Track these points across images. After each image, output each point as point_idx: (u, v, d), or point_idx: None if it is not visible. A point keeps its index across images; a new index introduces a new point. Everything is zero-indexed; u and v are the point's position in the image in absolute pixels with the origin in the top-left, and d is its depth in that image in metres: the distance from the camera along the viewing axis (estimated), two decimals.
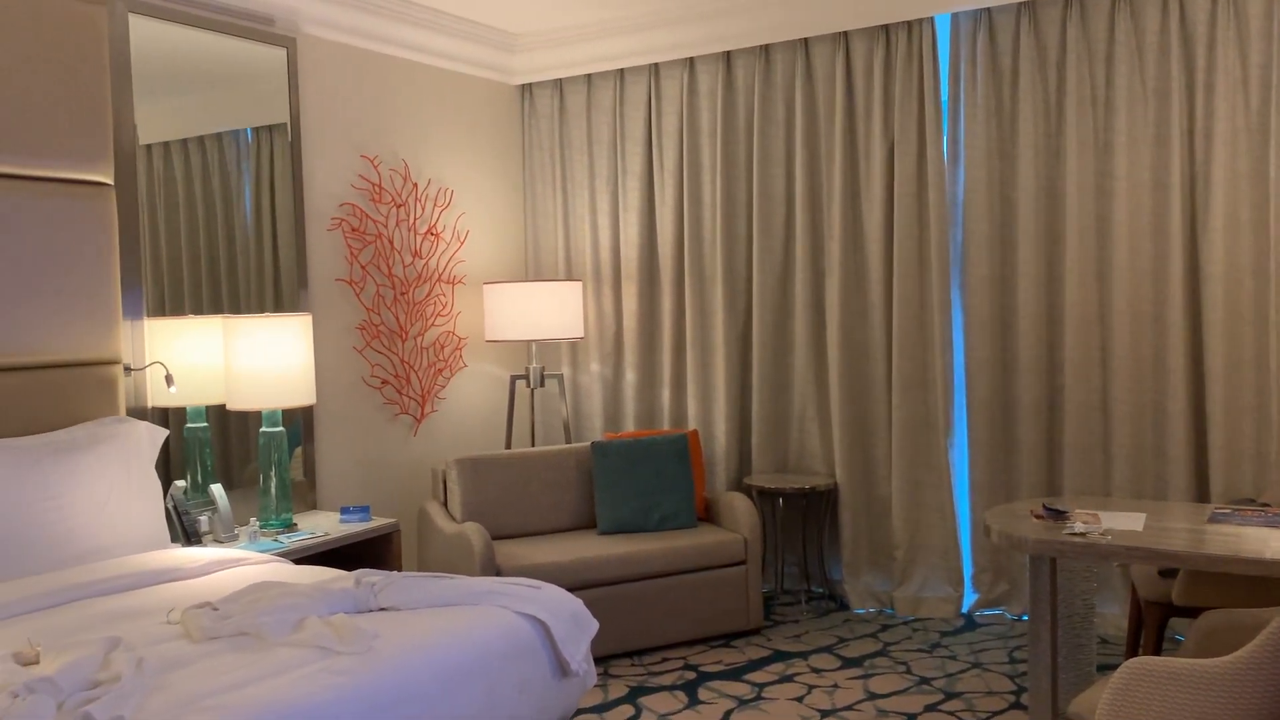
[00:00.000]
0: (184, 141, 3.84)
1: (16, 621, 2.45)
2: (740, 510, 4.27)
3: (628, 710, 3.52)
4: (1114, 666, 3.72)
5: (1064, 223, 4.18)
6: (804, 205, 4.68)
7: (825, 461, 4.73)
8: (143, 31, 3.62)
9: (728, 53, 4.79)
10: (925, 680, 3.72)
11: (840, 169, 4.56)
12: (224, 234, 3.96)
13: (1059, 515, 3.06)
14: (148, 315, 3.60)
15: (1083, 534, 2.86)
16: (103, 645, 2.10)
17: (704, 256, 4.93)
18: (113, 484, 3.04)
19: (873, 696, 3.58)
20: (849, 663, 3.92)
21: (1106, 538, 2.82)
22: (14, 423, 3.08)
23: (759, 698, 3.60)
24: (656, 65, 4.96)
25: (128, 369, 3.46)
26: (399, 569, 3.87)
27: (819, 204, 4.70)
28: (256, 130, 4.10)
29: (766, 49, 4.71)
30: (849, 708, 3.49)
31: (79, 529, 2.92)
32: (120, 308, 3.40)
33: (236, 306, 3.99)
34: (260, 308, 4.07)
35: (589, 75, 5.13)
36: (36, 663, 2.10)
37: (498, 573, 3.83)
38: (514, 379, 4.96)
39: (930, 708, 3.47)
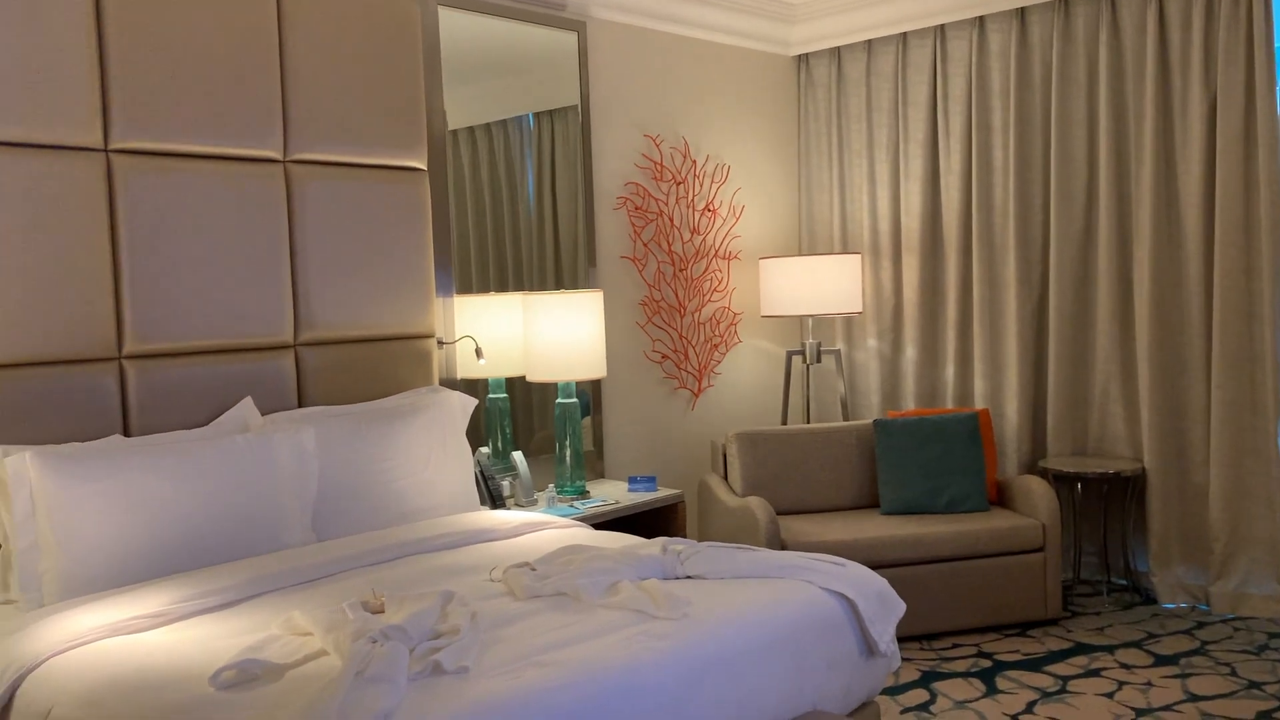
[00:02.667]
0: (471, 129, 4.03)
1: (359, 573, 2.66)
2: (1037, 494, 4.03)
3: (921, 694, 3.41)
4: None
5: None
6: (1109, 168, 4.34)
7: (1130, 445, 4.39)
8: (448, 23, 3.83)
9: (1021, 9, 4.51)
10: (1255, 685, 3.39)
11: (1151, 128, 4.19)
12: (510, 215, 4.14)
13: None
14: (456, 293, 3.82)
15: None
16: (440, 599, 2.24)
17: (994, 225, 4.68)
18: (430, 449, 3.25)
19: (1194, 698, 3.30)
20: (1162, 660, 3.63)
21: None
22: (346, 391, 3.36)
23: (1063, 690, 3.40)
24: (942, 26, 4.75)
25: (440, 342, 3.69)
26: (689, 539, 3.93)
27: (1125, 166, 4.35)
28: (537, 115, 4.25)
29: (1066, 2, 4.40)
30: (1167, 708, 3.23)
31: (404, 490, 3.14)
32: (433, 286, 3.63)
33: (521, 284, 4.17)
34: (543, 285, 4.23)
35: (869, 41, 4.98)
36: (382, 611, 2.27)
37: (783, 547, 3.81)
38: (789, 354, 4.92)
39: (1265, 715, 3.15)
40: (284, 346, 3.24)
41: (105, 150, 2.86)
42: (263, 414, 3.11)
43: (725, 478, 4.40)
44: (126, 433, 2.90)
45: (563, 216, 4.29)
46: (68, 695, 2.01)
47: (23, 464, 2.52)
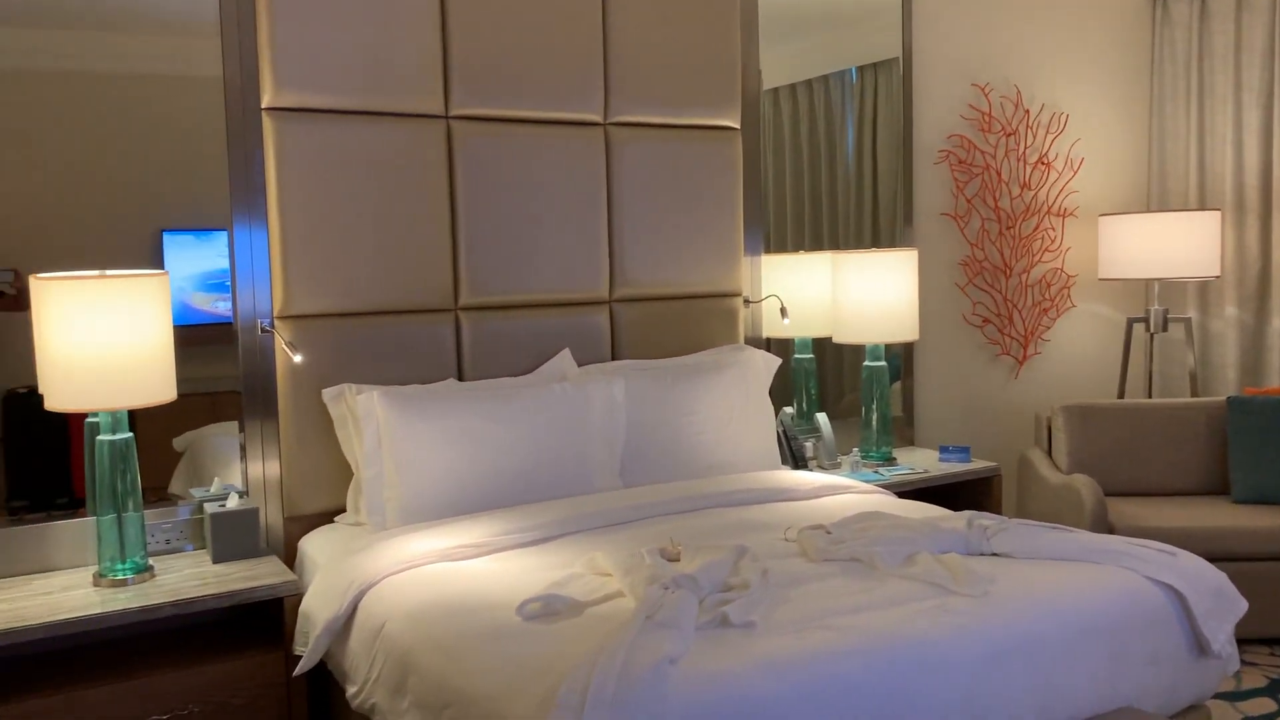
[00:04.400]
0: (792, 86, 3.98)
1: (659, 521, 2.75)
2: None
3: (1267, 704, 3.04)
4: None
5: None
6: None
7: None
8: None
9: None
10: None
11: None
12: (826, 172, 4.06)
13: None
14: (765, 251, 3.81)
15: None
16: (733, 553, 2.27)
17: None
18: (733, 406, 3.29)
19: None
20: None
21: None
22: (656, 347, 3.47)
23: None
24: None
25: (747, 301, 3.71)
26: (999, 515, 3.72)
27: None
28: (860, 69, 4.12)
29: None
30: None
31: (707, 444, 3.20)
32: (742, 244, 3.64)
33: (836, 243, 4.08)
34: (859, 244, 4.12)
35: None
36: (678, 560, 2.33)
37: (1110, 531, 3.51)
38: (1130, 322, 4.50)
39: None
40: (600, 302, 3.39)
41: (446, 117, 3.11)
42: (579, 365, 3.27)
43: (1049, 453, 4.11)
44: (460, 377, 3.16)
45: (883, 172, 4.16)
46: (399, 611, 2.24)
47: (371, 402, 2.82)
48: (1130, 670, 2.15)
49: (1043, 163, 4.47)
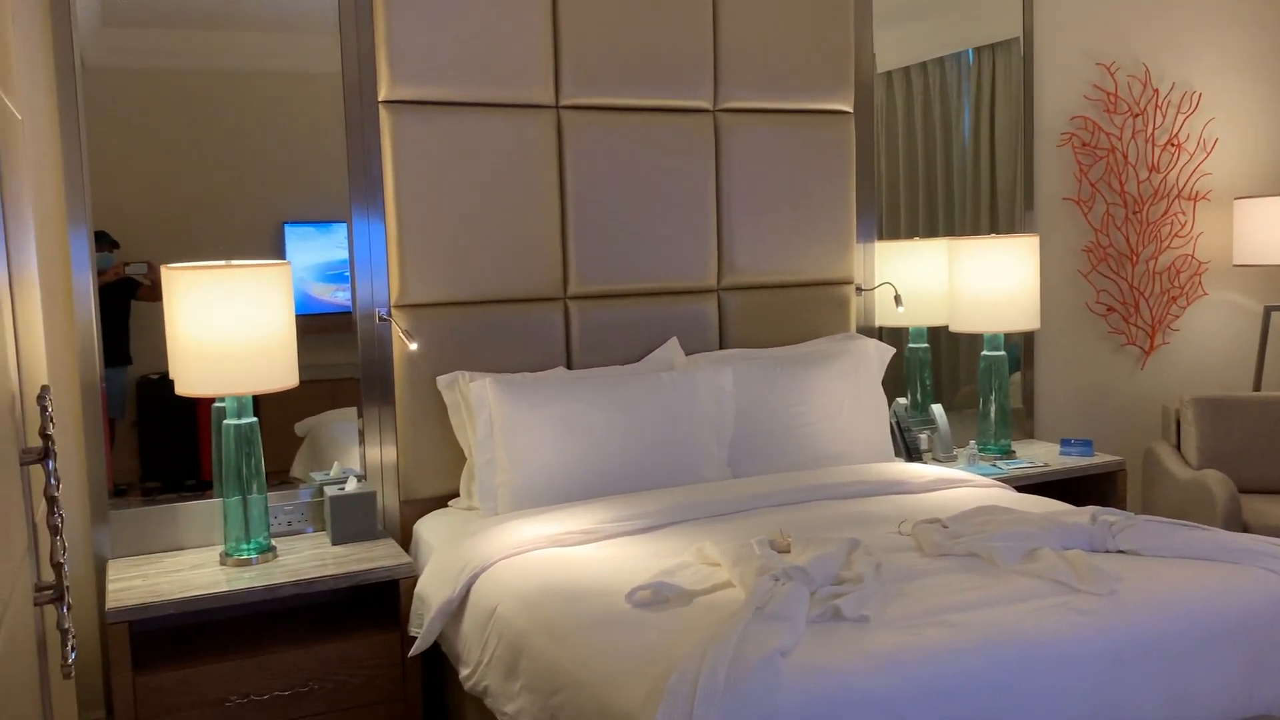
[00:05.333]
0: (906, 69, 3.88)
1: (769, 512, 2.72)
2: None
3: None
4: None
5: None
6: None
7: None
8: None
9: None
10: None
11: None
12: (941, 157, 3.95)
13: None
14: (878, 238, 3.73)
15: None
16: (845, 545, 2.22)
17: None
18: (844, 396, 3.23)
19: None
20: None
21: None
22: (764, 334, 3.43)
23: None
24: None
25: (859, 289, 3.64)
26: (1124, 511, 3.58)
27: None
28: (978, 50, 3.99)
29: None
30: None
31: (817, 435, 3.15)
32: (854, 231, 3.58)
33: (951, 229, 3.97)
34: (976, 230, 4.00)
35: None
36: (788, 551, 2.30)
37: (1244, 530, 3.34)
38: (1268, 310, 4.26)
39: None
40: (707, 290, 3.37)
41: (556, 107, 3.13)
42: (686, 354, 3.26)
43: (1177, 447, 3.93)
44: (569, 366, 3.18)
45: (1001, 158, 4.02)
46: (511, 595, 2.26)
47: (484, 389, 2.86)
48: (1271, 676, 2.04)
49: (1173, 144, 4.26)
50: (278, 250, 2.94)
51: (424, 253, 2.98)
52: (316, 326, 2.97)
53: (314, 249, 3.00)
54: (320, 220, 3.01)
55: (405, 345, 2.95)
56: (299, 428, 3.03)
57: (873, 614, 1.93)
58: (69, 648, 1.43)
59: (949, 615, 1.93)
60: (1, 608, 1.18)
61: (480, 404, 2.86)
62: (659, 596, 2.10)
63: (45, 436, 1.39)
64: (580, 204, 3.15)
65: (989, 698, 1.77)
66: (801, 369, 3.21)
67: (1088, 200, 4.13)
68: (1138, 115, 4.18)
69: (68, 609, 1.43)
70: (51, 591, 1.44)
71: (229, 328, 2.47)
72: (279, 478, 2.93)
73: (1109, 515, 2.40)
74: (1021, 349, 4.04)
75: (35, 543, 1.54)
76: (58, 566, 1.41)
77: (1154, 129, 4.22)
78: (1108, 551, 2.29)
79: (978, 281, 3.48)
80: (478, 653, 2.27)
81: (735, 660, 1.69)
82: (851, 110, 3.54)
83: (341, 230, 2.98)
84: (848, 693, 1.69)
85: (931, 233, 3.94)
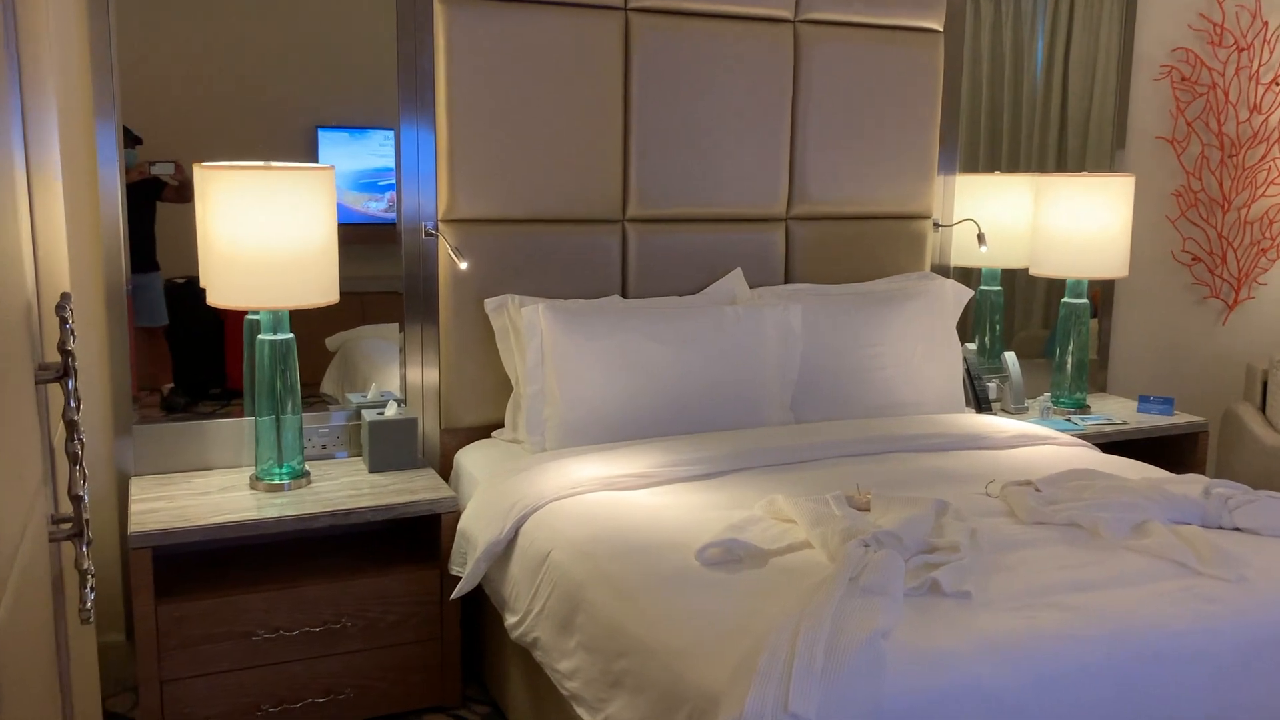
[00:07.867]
0: None
1: (839, 463, 2.52)
2: None
3: None
4: None
5: None
6: None
7: None
8: None
9: None
10: None
11: None
12: (1026, 86, 3.65)
13: None
14: (959, 171, 3.46)
15: None
16: (933, 507, 2.03)
17: None
18: (918, 340, 3.00)
19: None
20: None
21: None
22: (833, 269, 3.19)
23: None
24: None
25: (936, 225, 3.38)
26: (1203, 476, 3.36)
27: None
28: None
29: None
30: None
31: (888, 381, 2.93)
32: (936, 162, 3.31)
33: (1031, 165, 3.68)
34: (1059, 168, 3.72)
35: None
36: (867, 509, 2.11)
37: None
38: None
39: None
40: (775, 219, 3.13)
41: (624, 8, 2.86)
42: (750, 286, 3.03)
43: (1262, 409, 3.69)
44: (624, 294, 2.96)
45: (1090, 90, 3.72)
46: (565, 541, 2.08)
47: (536, 316, 2.64)
48: None
49: (1278, 83, 3.94)
50: (310, 155, 2.71)
51: (475, 164, 2.74)
52: (348, 237, 2.75)
53: (348, 155, 2.78)
54: (356, 126, 2.77)
55: (451, 262, 2.73)
56: (330, 342, 2.83)
57: (974, 590, 1.73)
58: (88, 589, 1.25)
59: (1060, 596, 1.73)
60: (14, 544, 1.00)
61: (531, 331, 2.65)
62: (730, 555, 1.91)
63: (65, 352, 1.20)
64: (644, 118, 2.90)
65: (1112, 693, 1.58)
66: (874, 309, 2.98)
67: (1182, 140, 3.84)
68: (1244, 50, 3.86)
69: (87, 546, 1.25)
70: (70, 526, 1.26)
71: (268, 235, 2.26)
72: (309, 391, 2.74)
73: (1222, 487, 2.19)
74: (1100, 297, 3.79)
75: (53, 470, 1.36)
76: (77, 499, 1.22)
77: (1259, 65, 3.90)
78: (1221, 529, 2.09)
79: (1065, 222, 3.23)
80: (527, 600, 2.10)
81: (832, 640, 1.50)
82: (941, 29, 3.25)
83: (378, 137, 2.75)
84: (960, 684, 1.50)
85: (1012, 167, 3.66)
